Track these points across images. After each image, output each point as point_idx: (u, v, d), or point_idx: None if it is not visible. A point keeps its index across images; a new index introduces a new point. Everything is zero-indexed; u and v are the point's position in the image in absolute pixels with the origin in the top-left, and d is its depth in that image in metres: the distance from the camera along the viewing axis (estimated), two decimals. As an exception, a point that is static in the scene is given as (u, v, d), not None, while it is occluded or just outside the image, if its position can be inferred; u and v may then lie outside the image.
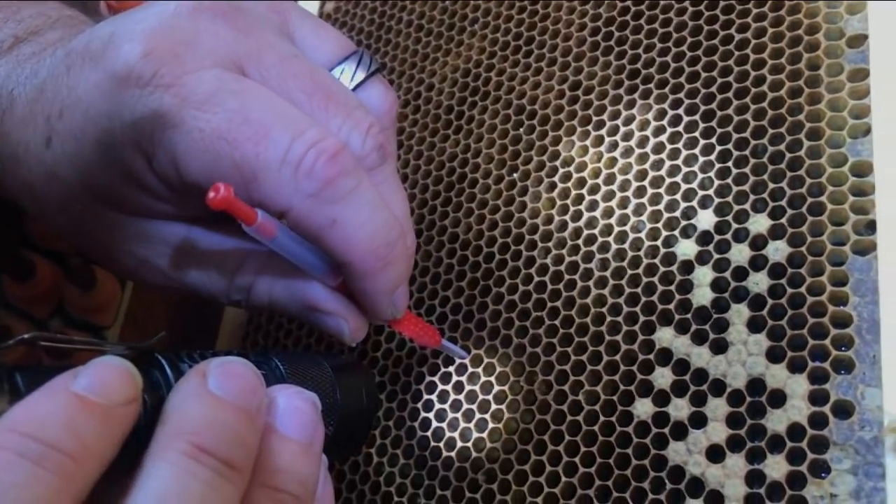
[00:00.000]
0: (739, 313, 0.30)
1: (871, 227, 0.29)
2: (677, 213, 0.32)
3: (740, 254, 0.31)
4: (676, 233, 0.32)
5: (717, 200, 0.32)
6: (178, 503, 0.20)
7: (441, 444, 0.34)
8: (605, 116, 0.35)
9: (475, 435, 0.33)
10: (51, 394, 0.20)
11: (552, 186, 0.36)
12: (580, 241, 0.34)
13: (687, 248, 0.32)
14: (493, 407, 0.33)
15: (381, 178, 0.28)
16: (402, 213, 0.28)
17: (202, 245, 0.29)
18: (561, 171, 0.36)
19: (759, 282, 0.30)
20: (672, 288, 0.31)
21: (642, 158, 0.34)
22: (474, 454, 0.33)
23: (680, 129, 0.34)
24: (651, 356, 0.31)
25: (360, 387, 0.30)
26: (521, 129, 0.37)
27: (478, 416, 0.33)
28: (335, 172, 0.25)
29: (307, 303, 0.28)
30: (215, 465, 0.21)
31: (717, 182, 0.32)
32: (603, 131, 0.35)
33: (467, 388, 0.34)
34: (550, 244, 0.35)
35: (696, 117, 0.33)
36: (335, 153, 0.25)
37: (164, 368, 0.23)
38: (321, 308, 0.28)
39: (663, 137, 0.34)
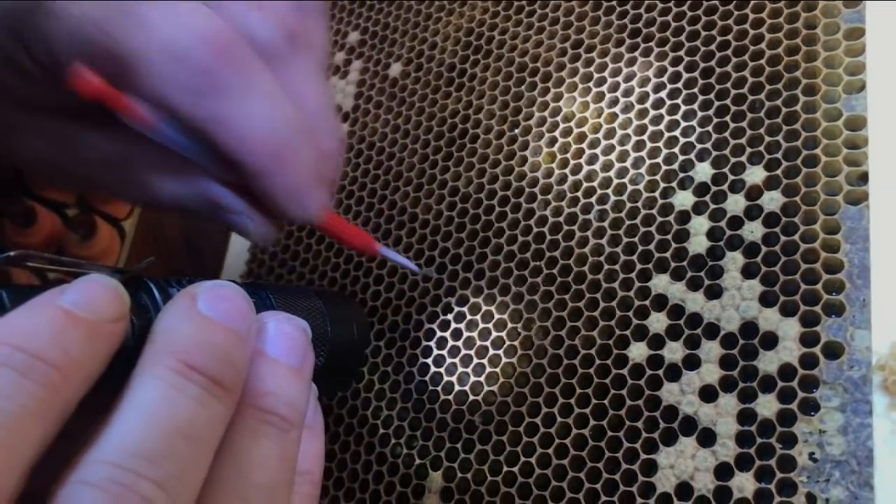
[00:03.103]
0: (734, 260, 0.31)
1: (864, 178, 0.30)
2: (675, 166, 0.33)
3: (736, 204, 0.31)
4: (674, 185, 0.33)
5: (714, 154, 0.33)
6: (165, 418, 0.19)
7: (439, 389, 0.34)
8: (606, 73, 0.36)
9: (472, 379, 0.34)
10: (37, 308, 0.19)
11: (552, 141, 0.36)
12: (579, 194, 0.35)
13: (684, 199, 0.33)
14: (491, 352, 0.34)
15: (294, 69, 0.25)
16: (317, 109, 0.26)
17: (95, 141, 0.27)
18: (561, 126, 0.36)
19: (753, 230, 0.31)
20: (669, 237, 0.32)
21: (642, 114, 0.35)
22: (471, 397, 0.34)
23: (679, 85, 0.34)
24: (647, 302, 0.32)
25: (350, 320, 0.31)
26: (523, 86, 0.38)
27: (475, 361, 0.34)
28: (221, 65, 0.23)
29: (208, 199, 0.26)
30: (204, 383, 0.20)
31: (714, 136, 0.33)
32: (604, 87, 0.36)
33: (465, 334, 0.35)
34: (550, 196, 0.35)
35: (696, 74, 0.34)
36: (222, 43, 0.23)
37: (152, 292, 0.23)
38: (222, 205, 0.26)
39: (663, 93, 0.35)
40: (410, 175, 0.39)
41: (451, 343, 0.35)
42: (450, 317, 0.35)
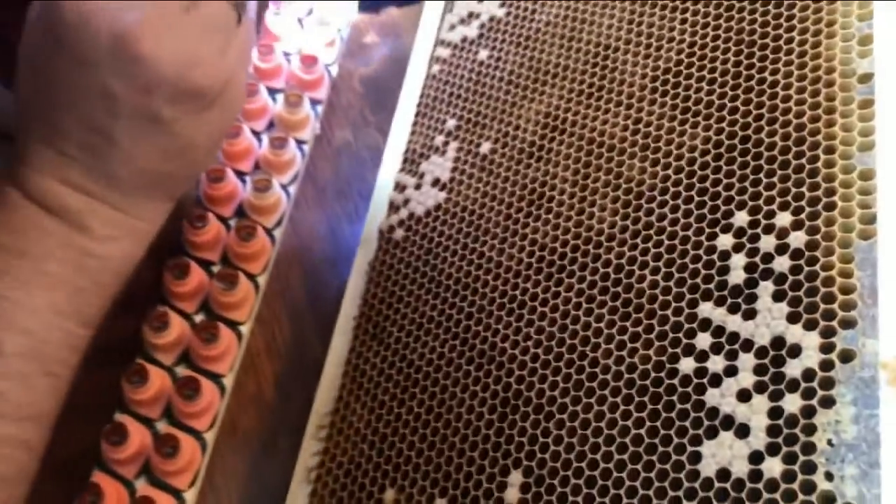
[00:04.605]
0: (766, 288, 0.37)
1: (873, 219, 0.36)
2: (718, 215, 0.40)
3: (768, 243, 0.38)
4: (717, 230, 0.39)
5: (750, 203, 0.39)
6: None
7: (519, 402, 0.41)
8: (661, 143, 0.43)
9: (549, 394, 0.40)
10: None
11: (616, 199, 0.43)
12: (639, 240, 0.41)
13: (725, 241, 0.39)
14: (564, 371, 0.40)
15: None
16: None
17: None
18: (624, 186, 0.43)
19: (782, 263, 0.37)
20: (713, 272, 0.39)
21: (691, 174, 0.42)
22: (547, 409, 0.40)
23: (722, 150, 0.41)
24: (694, 325, 0.38)
25: None
26: (592, 156, 0.45)
27: (550, 378, 0.40)
28: None
29: None
30: None
31: (750, 189, 0.39)
32: (659, 154, 0.43)
33: (542, 358, 0.41)
34: (614, 243, 0.42)
35: (736, 141, 0.41)
36: None
37: None
38: None
39: (709, 157, 0.41)
40: (496, 230, 0.46)
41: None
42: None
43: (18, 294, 0.39)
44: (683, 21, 0.46)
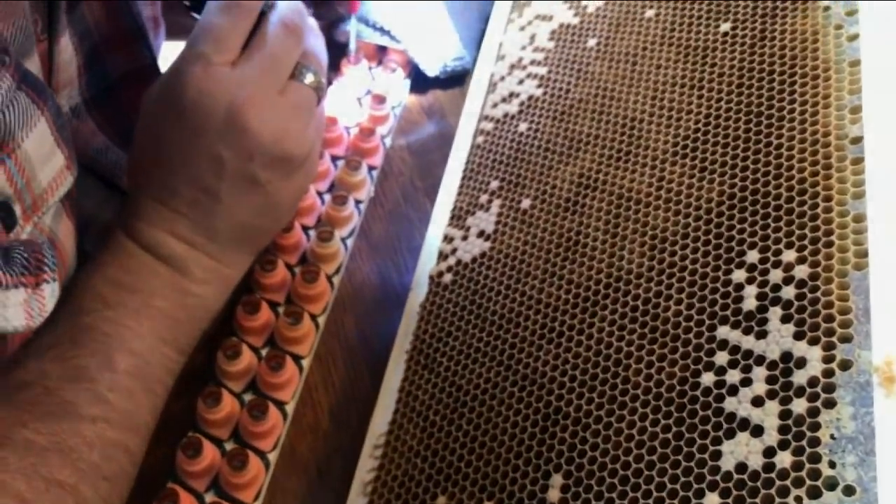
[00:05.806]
0: (775, 313, 0.43)
1: (865, 253, 0.42)
2: (733, 254, 0.46)
3: (776, 275, 0.44)
4: (732, 266, 0.46)
5: (760, 244, 0.45)
6: None
7: (559, 417, 0.46)
8: (682, 197, 0.50)
9: (585, 408, 0.46)
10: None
11: (643, 244, 0.50)
12: (664, 277, 0.48)
13: (739, 275, 0.45)
14: (599, 388, 0.46)
15: None
16: None
17: None
18: (650, 233, 0.50)
19: (789, 292, 0.43)
20: (729, 301, 0.44)
21: (709, 222, 0.48)
22: (584, 420, 0.45)
23: (735, 201, 0.48)
24: (714, 345, 0.44)
25: None
26: (621, 209, 0.52)
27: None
28: None
29: None
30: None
31: (760, 232, 0.46)
32: (680, 206, 0.50)
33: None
34: (642, 280, 0.48)
35: (747, 193, 0.48)
36: None
37: None
38: None
39: (724, 207, 0.48)
40: (536, 273, 0.53)
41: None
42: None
43: (130, 322, 0.46)
44: (700, 97, 0.54)
